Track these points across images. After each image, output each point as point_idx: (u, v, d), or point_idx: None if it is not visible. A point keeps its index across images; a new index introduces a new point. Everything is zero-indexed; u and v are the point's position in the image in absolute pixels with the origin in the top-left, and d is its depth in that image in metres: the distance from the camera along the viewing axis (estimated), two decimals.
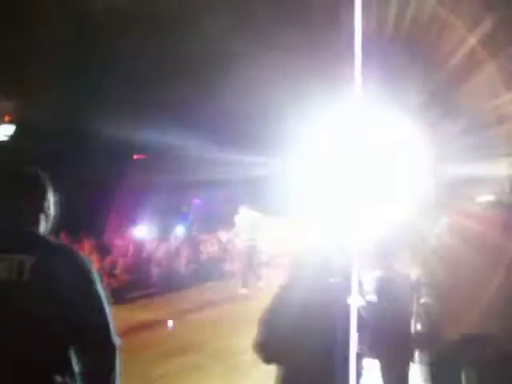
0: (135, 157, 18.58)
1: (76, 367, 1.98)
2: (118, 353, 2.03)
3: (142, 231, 13.85)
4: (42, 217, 2.14)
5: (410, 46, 10.29)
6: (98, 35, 12.43)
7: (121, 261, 11.85)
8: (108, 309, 2.03)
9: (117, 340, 2.03)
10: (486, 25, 9.63)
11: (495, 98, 10.64)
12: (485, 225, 3.80)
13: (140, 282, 11.86)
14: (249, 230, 13.00)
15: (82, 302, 1.97)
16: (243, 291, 11.94)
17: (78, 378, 1.98)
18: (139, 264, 12.71)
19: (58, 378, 1.92)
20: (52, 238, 2.16)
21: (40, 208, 2.14)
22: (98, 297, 2.01)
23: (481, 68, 10.10)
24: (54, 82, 12.55)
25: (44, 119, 12.27)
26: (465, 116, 11.72)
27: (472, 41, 9.77)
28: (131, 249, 12.90)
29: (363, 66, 3.14)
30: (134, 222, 13.99)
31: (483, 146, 11.40)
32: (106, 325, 2.00)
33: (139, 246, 13.25)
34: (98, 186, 13.85)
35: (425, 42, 10.16)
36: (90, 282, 2.01)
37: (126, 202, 15.92)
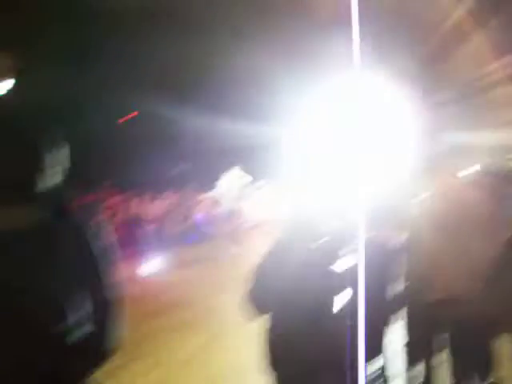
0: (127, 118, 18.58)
1: (75, 315, 2.08)
2: (115, 301, 2.17)
3: (136, 189, 13.86)
4: (47, 169, 2.17)
5: (399, 17, 10.25)
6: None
7: (114, 218, 11.93)
8: (107, 261, 2.15)
9: (116, 290, 2.17)
10: None
11: (484, 67, 10.68)
12: (471, 191, 3.93)
13: (131, 239, 11.95)
14: (233, 192, 13.17)
15: (82, 253, 2.08)
16: (232, 250, 12.15)
17: (76, 325, 2.08)
18: (131, 221, 12.87)
19: (58, 325, 2.02)
20: (59, 191, 2.22)
21: (44, 160, 2.16)
22: (97, 251, 2.12)
23: (469, 37, 10.11)
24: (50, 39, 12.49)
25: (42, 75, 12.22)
26: (454, 85, 11.76)
27: (460, 10, 9.76)
28: (124, 206, 13.02)
29: (359, 35, 3.19)
30: (127, 181, 14.00)
31: (472, 115, 11.49)
32: (104, 276, 2.13)
33: (132, 204, 13.36)
34: (93, 143, 13.83)
35: (414, 10, 10.11)
36: (92, 235, 2.12)
37: (119, 161, 15.95)
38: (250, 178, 14.19)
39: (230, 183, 13.33)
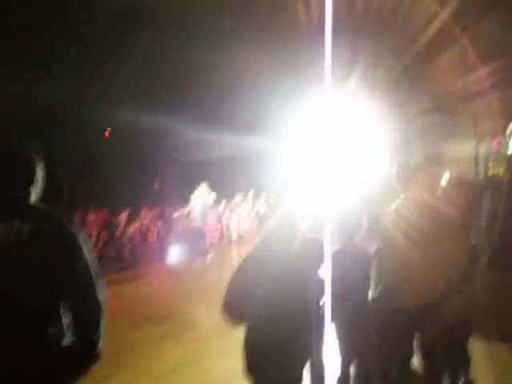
0: (107, 133, 18.59)
1: (64, 321, 2.17)
2: (102, 308, 2.24)
3: (114, 207, 13.84)
4: (33, 187, 2.28)
5: (377, 28, 10.47)
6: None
7: (93, 235, 11.92)
8: (93, 271, 2.22)
9: (101, 297, 2.23)
10: (453, 5, 9.84)
11: (460, 80, 10.93)
12: (441, 201, 4.05)
13: (112, 256, 11.97)
14: (199, 208, 13.33)
15: (70, 265, 2.15)
16: (208, 263, 12.29)
17: (66, 330, 2.17)
18: (111, 238, 12.87)
19: (48, 330, 2.11)
20: (43, 207, 2.30)
21: (30, 177, 2.28)
22: (84, 260, 2.19)
23: (446, 49, 10.35)
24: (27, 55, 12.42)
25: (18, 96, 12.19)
26: (430, 97, 12.01)
27: (438, 22, 9.99)
28: (103, 223, 13.01)
29: (332, 50, 3.29)
30: (105, 198, 13.98)
31: (448, 127, 11.74)
32: (91, 284, 2.20)
33: (111, 221, 13.35)
34: (70, 161, 13.76)
35: (392, 23, 10.34)
36: (77, 248, 2.19)
37: (97, 178, 15.91)
38: (224, 192, 14.40)
39: (200, 198, 13.48)
